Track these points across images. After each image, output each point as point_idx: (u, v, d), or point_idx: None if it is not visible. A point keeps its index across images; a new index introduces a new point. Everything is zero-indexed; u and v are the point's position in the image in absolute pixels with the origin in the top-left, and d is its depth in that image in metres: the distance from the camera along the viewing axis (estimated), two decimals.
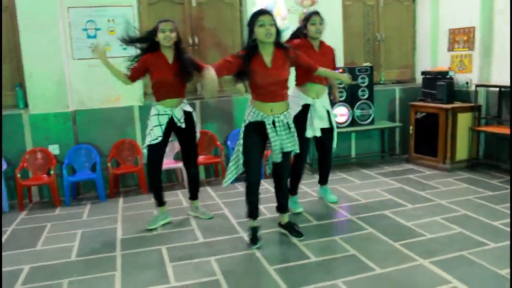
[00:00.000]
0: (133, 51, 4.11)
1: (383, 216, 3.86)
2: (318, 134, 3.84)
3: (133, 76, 3.72)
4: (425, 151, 5.49)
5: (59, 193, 4.77)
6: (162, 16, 5.18)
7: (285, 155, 3.34)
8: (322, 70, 3.59)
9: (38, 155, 4.85)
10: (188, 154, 3.95)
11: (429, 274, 2.80)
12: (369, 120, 5.62)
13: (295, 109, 3.72)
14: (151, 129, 3.69)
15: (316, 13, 3.81)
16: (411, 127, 5.67)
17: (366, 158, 5.95)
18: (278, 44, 3.21)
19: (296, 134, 3.37)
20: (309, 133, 3.82)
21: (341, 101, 5.44)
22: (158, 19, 5.05)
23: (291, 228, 3.52)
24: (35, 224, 4.16)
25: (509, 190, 4.33)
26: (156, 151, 3.75)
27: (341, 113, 5.49)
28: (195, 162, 4.00)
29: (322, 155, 4.20)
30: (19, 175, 4.63)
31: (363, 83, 5.53)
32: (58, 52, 4.79)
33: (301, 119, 3.76)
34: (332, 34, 5.57)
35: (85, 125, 4.98)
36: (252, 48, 3.16)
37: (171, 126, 3.74)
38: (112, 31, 4.99)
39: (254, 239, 3.37)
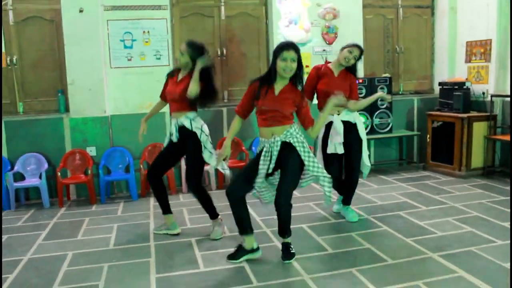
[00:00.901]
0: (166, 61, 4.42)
1: (398, 216, 4.09)
2: (340, 151, 3.90)
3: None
4: (441, 158, 5.69)
5: (95, 191, 5.15)
6: (193, 29, 5.69)
7: (281, 180, 3.17)
8: (358, 104, 3.95)
9: (76, 156, 5.25)
10: (186, 171, 3.89)
11: (437, 265, 3.03)
12: (388, 129, 5.85)
13: (321, 131, 3.93)
14: None
15: (357, 46, 3.91)
16: (428, 136, 5.89)
17: (385, 165, 6.17)
18: (294, 81, 3.16)
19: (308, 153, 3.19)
20: (329, 149, 3.92)
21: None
22: (189, 31, 5.64)
23: (286, 250, 3.32)
24: (74, 218, 4.53)
25: None
26: (157, 158, 3.94)
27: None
28: (191, 181, 3.78)
29: (346, 170, 4.16)
30: (59, 174, 5.04)
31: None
32: (97, 61, 5.21)
33: (325, 137, 3.96)
34: None
35: (120, 129, 5.36)
36: (268, 77, 3.18)
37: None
38: (146, 42, 5.39)
39: (233, 254, 3.32)
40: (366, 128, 5.72)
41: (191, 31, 5.66)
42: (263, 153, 3.16)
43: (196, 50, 3.66)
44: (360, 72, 5.87)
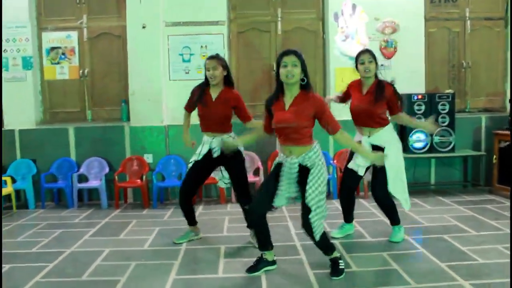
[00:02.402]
0: None
1: (440, 239, 3.80)
2: (360, 172, 3.74)
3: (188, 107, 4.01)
4: (509, 182, 5.19)
5: (149, 196, 5.43)
6: (250, 43, 5.83)
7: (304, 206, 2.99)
8: (405, 119, 3.78)
9: (134, 162, 5.60)
10: (235, 189, 3.91)
11: None
12: (449, 148, 5.48)
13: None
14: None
15: (364, 51, 3.72)
16: (494, 156, 5.41)
17: (447, 186, 5.77)
18: (305, 87, 2.98)
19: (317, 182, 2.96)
20: (350, 165, 3.76)
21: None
22: (245, 46, 5.79)
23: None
24: (124, 219, 4.82)
25: None
26: (188, 180, 3.88)
27: (418, 139, 5.44)
28: (246, 197, 3.78)
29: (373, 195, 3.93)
30: (116, 178, 5.40)
31: (443, 110, 5.44)
32: (157, 74, 5.55)
33: (350, 154, 3.85)
34: (414, 61, 5.65)
35: (176, 138, 5.60)
36: (276, 90, 3.07)
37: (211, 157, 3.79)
38: (204, 56, 5.62)
39: (253, 267, 3.25)
40: (424, 147, 5.45)
41: (248, 46, 5.83)
42: (283, 174, 3.04)
43: (223, 60, 3.76)
44: (422, 87, 5.65)
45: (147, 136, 5.62)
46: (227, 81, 3.77)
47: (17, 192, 5.59)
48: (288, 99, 3.00)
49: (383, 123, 3.72)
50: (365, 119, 3.71)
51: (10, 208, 5.39)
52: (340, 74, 5.63)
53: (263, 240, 3.24)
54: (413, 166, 5.69)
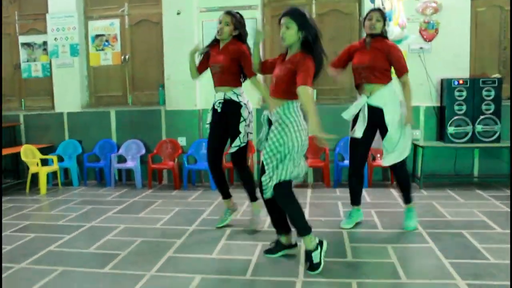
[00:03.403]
0: None
1: (457, 235, 3.53)
2: (358, 134, 3.57)
3: (199, 68, 3.89)
4: None
5: (181, 178, 5.61)
6: None
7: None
8: (406, 82, 3.56)
9: (168, 144, 5.80)
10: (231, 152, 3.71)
11: None
12: (494, 137, 5.04)
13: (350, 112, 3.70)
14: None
15: (375, 9, 3.66)
16: None
17: (492, 180, 5.31)
18: (305, 47, 2.87)
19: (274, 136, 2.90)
20: (356, 133, 3.59)
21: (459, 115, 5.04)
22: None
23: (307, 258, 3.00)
24: (151, 199, 5.03)
25: None
26: (209, 141, 3.82)
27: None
28: (236, 163, 3.76)
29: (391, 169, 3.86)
30: (150, 160, 5.63)
31: (488, 96, 5.00)
32: None
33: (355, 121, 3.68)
34: (458, 44, 5.27)
35: None
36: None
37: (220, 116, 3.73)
38: None
39: (271, 249, 3.22)
40: (466, 135, 5.07)
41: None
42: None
43: (240, 20, 3.70)
44: (466, 71, 5.23)
45: (181, 119, 5.79)
46: (238, 39, 3.70)
47: (66, 170, 6.05)
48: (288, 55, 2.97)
49: (385, 79, 3.57)
50: (367, 73, 3.55)
51: (57, 184, 5.85)
52: None
53: (275, 222, 3.17)
54: (454, 157, 5.31)
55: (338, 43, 5.66)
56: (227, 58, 3.62)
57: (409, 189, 3.76)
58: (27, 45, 6.23)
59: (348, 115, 3.70)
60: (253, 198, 3.86)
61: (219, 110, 3.71)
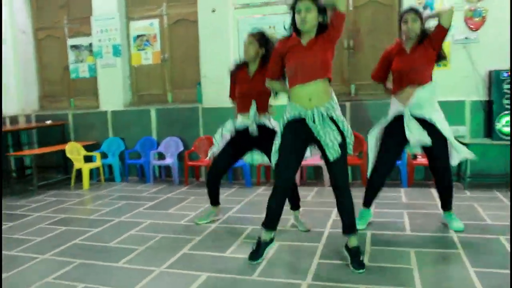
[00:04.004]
0: None
1: (493, 241, 3.22)
2: (417, 150, 3.46)
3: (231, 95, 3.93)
4: None
5: None
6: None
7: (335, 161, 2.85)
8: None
9: (205, 142, 5.84)
10: None
11: None
12: None
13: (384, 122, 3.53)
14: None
15: (409, 10, 3.36)
16: None
17: None
18: (321, 31, 2.84)
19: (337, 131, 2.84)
20: (410, 136, 3.34)
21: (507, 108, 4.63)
22: None
23: (355, 257, 2.88)
24: (183, 196, 5.09)
25: None
26: (219, 160, 3.86)
27: (508, 124, 4.65)
28: None
29: (434, 174, 3.54)
30: (187, 157, 5.70)
31: None
32: (226, 57, 5.65)
33: (390, 130, 3.47)
34: (508, 33, 4.83)
35: None
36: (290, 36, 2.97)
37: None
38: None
39: (255, 253, 3.06)
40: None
41: None
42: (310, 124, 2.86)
43: (263, 36, 3.61)
44: (506, 62, 4.80)
45: (217, 117, 5.79)
46: (264, 61, 3.58)
47: (109, 166, 6.30)
48: (304, 40, 2.88)
49: (428, 78, 3.37)
50: (412, 75, 3.33)
51: (100, 180, 6.10)
52: None
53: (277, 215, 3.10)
54: (503, 155, 4.88)
55: (377, 37, 5.43)
56: (260, 85, 3.42)
57: (452, 194, 3.54)
58: (75, 47, 6.55)
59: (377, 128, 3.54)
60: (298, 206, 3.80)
61: (254, 134, 3.63)
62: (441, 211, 3.66)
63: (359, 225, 3.58)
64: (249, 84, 3.66)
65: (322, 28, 2.83)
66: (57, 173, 6.54)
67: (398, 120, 3.38)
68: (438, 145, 3.35)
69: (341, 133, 2.85)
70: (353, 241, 2.93)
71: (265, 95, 3.63)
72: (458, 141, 3.47)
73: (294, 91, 2.92)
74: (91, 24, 6.27)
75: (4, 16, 6.49)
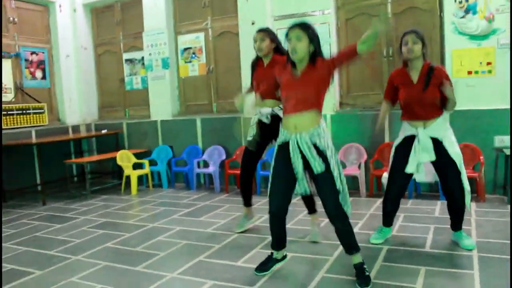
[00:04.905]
0: None
1: (507, 261, 3.01)
2: (420, 171, 3.32)
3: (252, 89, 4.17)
4: None
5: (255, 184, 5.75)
6: (359, 30, 5.52)
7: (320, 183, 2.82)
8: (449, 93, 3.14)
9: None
10: None
11: None
12: None
13: (398, 140, 3.45)
14: None
15: (409, 32, 3.27)
16: None
17: None
18: (313, 59, 2.80)
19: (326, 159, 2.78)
20: (409, 169, 3.29)
21: None
22: (354, 33, 5.51)
23: (359, 273, 2.85)
24: (220, 203, 5.26)
25: None
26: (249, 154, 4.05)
27: None
28: None
29: (445, 194, 3.41)
30: (228, 165, 5.88)
31: None
32: None
33: (401, 152, 3.37)
34: None
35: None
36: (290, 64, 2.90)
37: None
38: None
39: (263, 265, 3.11)
40: None
41: (357, 32, 5.51)
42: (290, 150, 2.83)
43: (273, 32, 3.86)
44: None
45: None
46: (277, 52, 3.76)
47: (158, 173, 6.65)
48: (298, 71, 2.84)
49: (438, 113, 3.27)
50: (418, 109, 3.26)
51: (149, 186, 6.47)
52: (458, 57, 4.84)
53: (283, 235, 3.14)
54: None
55: None
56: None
57: (463, 216, 3.38)
58: (129, 61, 7.02)
59: (412, 166, 3.36)
60: (314, 210, 3.80)
61: (267, 122, 3.78)
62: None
63: (375, 239, 3.54)
64: (263, 75, 3.78)
65: (315, 56, 2.78)
66: (112, 179, 7.03)
67: (410, 139, 3.33)
68: (448, 165, 3.24)
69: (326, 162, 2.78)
70: (355, 259, 2.89)
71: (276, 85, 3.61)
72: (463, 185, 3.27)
73: (284, 119, 2.93)
74: (142, 39, 6.68)
75: (68, 34, 7.13)
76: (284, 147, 2.89)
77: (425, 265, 3.04)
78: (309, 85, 2.79)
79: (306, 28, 2.77)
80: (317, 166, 2.76)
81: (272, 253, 3.17)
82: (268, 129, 3.79)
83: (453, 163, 3.21)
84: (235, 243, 3.79)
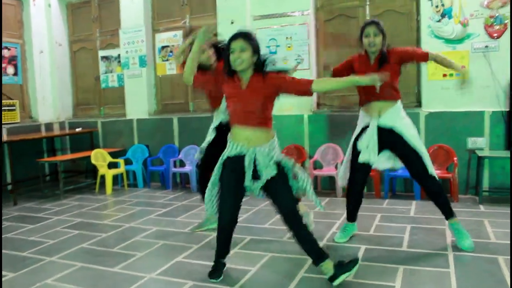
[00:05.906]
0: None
1: (489, 260, 3.08)
2: (373, 159, 3.34)
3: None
4: None
5: None
6: (337, 31, 5.57)
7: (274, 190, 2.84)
8: (433, 55, 3.37)
9: None
10: None
11: None
12: None
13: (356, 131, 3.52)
14: None
15: (370, 23, 3.32)
16: None
17: None
18: (257, 70, 2.77)
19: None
20: (361, 158, 3.35)
21: None
22: (332, 34, 5.57)
23: (340, 268, 2.82)
24: (197, 203, 5.17)
25: None
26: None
27: None
28: None
29: (418, 182, 3.53)
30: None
31: None
32: None
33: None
34: None
35: None
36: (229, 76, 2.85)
37: None
38: (289, 47, 5.63)
39: (216, 272, 3.04)
40: None
41: (335, 34, 5.58)
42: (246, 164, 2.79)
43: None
44: None
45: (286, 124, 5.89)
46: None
47: (134, 173, 6.55)
48: (244, 82, 2.79)
49: (395, 95, 3.37)
50: (374, 89, 3.18)
51: (124, 186, 6.37)
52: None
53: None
54: None
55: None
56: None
57: (447, 201, 3.43)
58: (105, 58, 6.89)
59: (364, 155, 3.42)
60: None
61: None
62: (446, 225, 3.56)
63: (340, 238, 3.60)
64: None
65: (258, 66, 2.76)
66: (86, 178, 6.89)
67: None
68: (408, 151, 3.32)
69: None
70: (326, 270, 2.78)
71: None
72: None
73: (233, 130, 2.87)
74: (119, 36, 6.57)
75: (42, 29, 6.96)
76: (235, 160, 2.83)
77: (403, 264, 3.10)
78: (256, 97, 2.74)
79: (249, 38, 2.72)
80: (270, 171, 2.75)
81: (219, 260, 3.11)
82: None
83: (411, 149, 3.28)
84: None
